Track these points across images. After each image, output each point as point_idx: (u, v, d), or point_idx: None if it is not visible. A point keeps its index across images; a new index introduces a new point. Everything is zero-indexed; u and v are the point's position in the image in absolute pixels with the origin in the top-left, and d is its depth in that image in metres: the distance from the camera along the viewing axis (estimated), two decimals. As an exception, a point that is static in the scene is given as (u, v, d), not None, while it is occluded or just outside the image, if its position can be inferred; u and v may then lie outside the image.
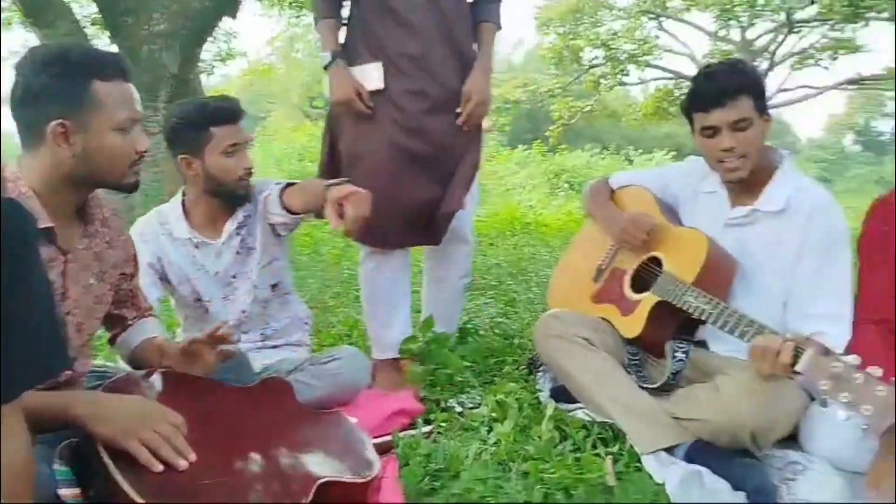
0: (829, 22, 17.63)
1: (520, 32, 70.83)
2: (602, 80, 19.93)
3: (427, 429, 2.11)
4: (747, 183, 2.10)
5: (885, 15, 16.22)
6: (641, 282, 2.16)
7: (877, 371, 1.54)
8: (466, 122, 2.49)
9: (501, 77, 22.28)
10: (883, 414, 1.51)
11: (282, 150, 14.90)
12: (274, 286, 2.42)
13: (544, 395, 2.29)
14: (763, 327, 1.80)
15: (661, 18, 20.16)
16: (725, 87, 2.03)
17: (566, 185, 14.76)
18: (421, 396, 2.36)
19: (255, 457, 1.52)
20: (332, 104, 2.55)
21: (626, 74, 20.09)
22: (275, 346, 2.44)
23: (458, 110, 2.48)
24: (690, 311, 1.95)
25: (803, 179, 2.14)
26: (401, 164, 2.43)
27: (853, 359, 1.59)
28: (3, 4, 8.52)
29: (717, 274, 2.04)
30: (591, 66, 20.16)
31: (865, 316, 1.95)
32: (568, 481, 1.75)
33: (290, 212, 2.21)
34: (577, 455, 1.89)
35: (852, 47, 19.02)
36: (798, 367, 1.66)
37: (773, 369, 1.70)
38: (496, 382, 2.40)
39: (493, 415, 2.13)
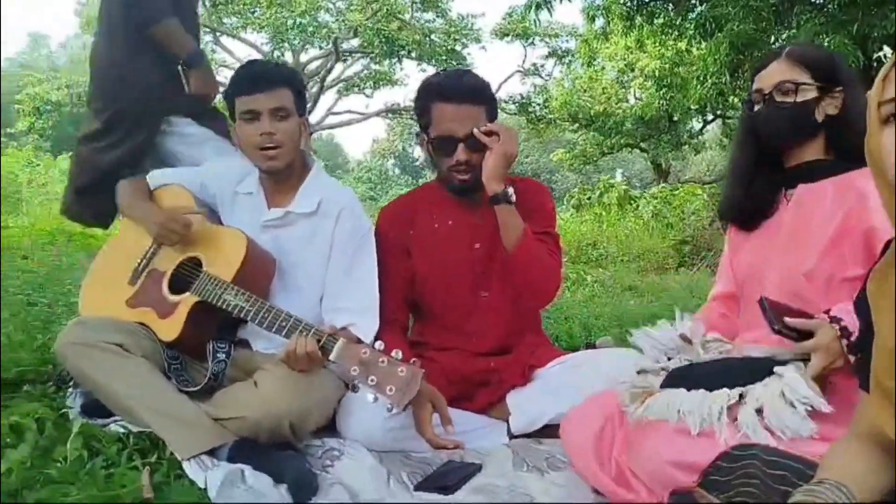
0: (370, 55, 19.47)
1: (67, 31, 65.54)
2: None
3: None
4: (282, 185, 2.18)
5: (414, 55, 18.46)
6: (181, 283, 2.08)
7: (398, 354, 1.72)
8: None
9: (42, 77, 20.37)
10: (404, 391, 1.69)
11: None
12: None
13: (74, 412, 2.07)
14: (300, 321, 1.86)
15: (218, 34, 20.14)
16: (266, 75, 2.10)
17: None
18: None
19: None
20: None
21: (182, 86, 19.58)
22: None
23: None
24: (230, 309, 1.93)
25: (331, 182, 2.28)
26: None
27: (378, 345, 1.75)
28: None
29: (257, 272, 2.07)
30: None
31: (382, 317, 2.15)
32: (98, 501, 1.59)
33: None
34: (111, 471, 1.73)
35: (390, 80, 21.22)
36: (332, 357, 1.77)
37: (308, 362, 1.79)
38: (12, 404, 2.08)
39: (9, 440, 1.84)
